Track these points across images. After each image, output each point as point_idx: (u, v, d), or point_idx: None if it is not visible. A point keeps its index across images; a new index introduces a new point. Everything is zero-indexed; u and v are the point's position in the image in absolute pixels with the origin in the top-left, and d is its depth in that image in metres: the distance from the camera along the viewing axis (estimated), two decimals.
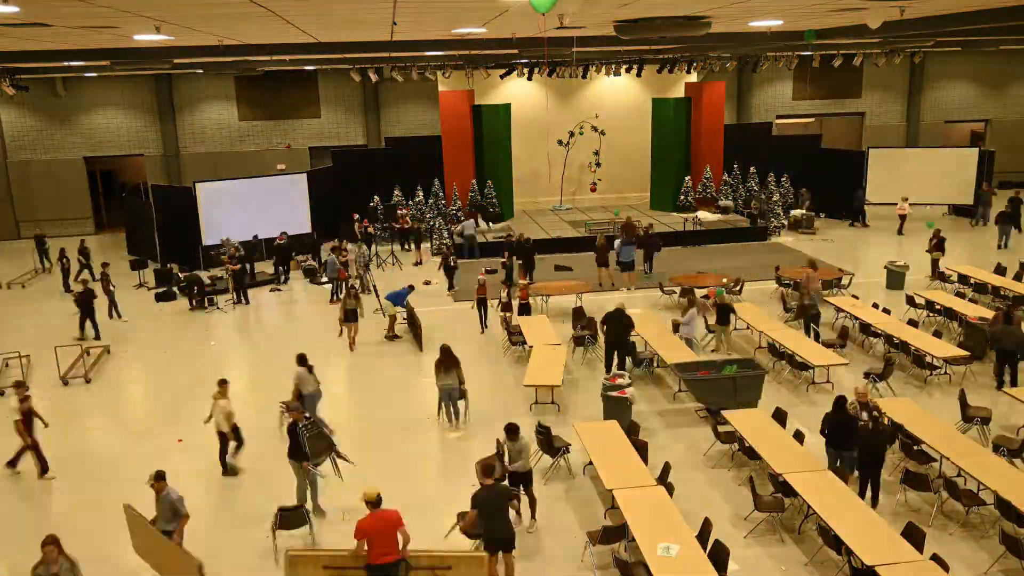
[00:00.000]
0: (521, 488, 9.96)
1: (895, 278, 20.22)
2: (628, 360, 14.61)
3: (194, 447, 12.44)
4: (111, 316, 19.29)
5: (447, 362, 12.75)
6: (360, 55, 22.86)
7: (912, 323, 15.84)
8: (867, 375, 13.79)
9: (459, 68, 28.53)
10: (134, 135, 30.90)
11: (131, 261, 22.81)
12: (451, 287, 21.15)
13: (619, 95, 31.30)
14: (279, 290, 22.15)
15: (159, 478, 9.11)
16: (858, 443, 10.13)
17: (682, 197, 29.42)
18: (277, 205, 25.52)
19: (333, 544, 9.46)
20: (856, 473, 10.28)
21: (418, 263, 24.38)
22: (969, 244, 24.55)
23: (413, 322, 17.30)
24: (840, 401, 10.45)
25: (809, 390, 14.04)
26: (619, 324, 14.54)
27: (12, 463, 12.01)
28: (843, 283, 19.54)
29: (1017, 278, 19.14)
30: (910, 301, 17.70)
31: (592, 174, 31.39)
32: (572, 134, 30.74)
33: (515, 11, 12.31)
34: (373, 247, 23.86)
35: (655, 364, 14.82)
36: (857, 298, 17.62)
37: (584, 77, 29.44)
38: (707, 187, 29.29)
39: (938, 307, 17.14)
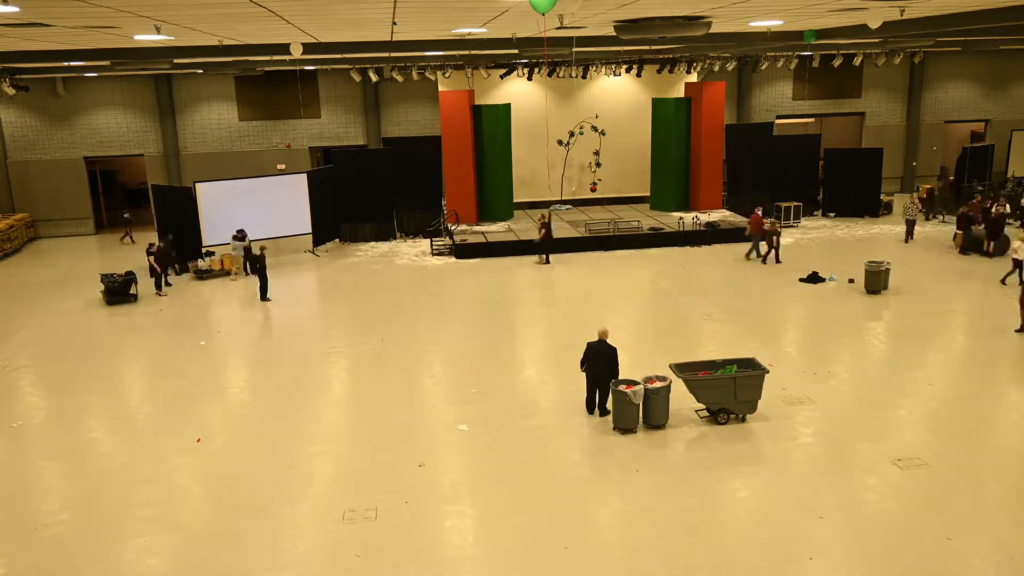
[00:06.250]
0: None
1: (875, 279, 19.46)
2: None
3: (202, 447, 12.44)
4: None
5: None
6: (360, 55, 22.90)
7: None
8: None
9: (459, 68, 28.60)
10: (134, 135, 30.89)
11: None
12: None
13: (619, 95, 31.29)
14: None
15: None
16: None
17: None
18: (277, 205, 25.52)
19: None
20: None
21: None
22: None
23: None
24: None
25: None
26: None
27: None
28: None
29: None
30: None
31: (592, 174, 31.41)
32: (572, 134, 30.74)
33: (515, 11, 12.32)
34: None
35: None
36: None
37: (584, 77, 29.49)
38: None
39: None
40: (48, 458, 12.25)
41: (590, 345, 12.67)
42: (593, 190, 31.37)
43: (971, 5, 13.15)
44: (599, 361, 12.56)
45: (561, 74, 28.90)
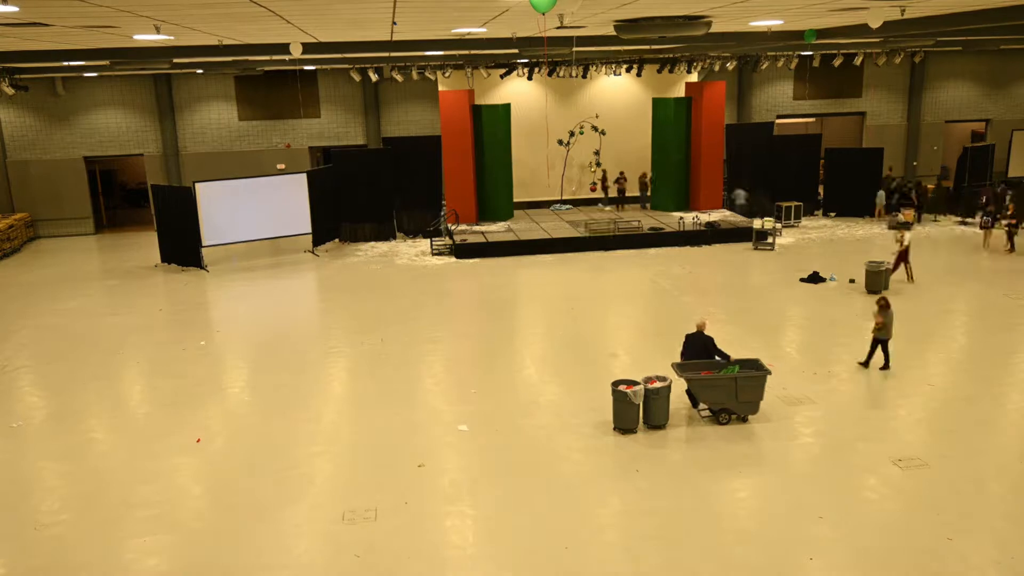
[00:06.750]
0: None
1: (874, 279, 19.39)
2: None
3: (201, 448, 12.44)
4: None
5: None
6: (360, 55, 22.90)
7: None
8: None
9: (459, 68, 28.60)
10: (134, 135, 30.88)
11: None
12: None
13: (619, 95, 31.28)
14: None
15: None
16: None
17: None
18: (277, 205, 25.49)
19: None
20: None
21: None
22: None
23: None
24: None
25: None
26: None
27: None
28: None
29: None
30: None
31: (592, 174, 31.41)
32: (572, 134, 30.74)
33: (515, 11, 12.32)
34: None
35: None
36: None
37: (584, 77, 29.47)
38: None
39: None
40: (48, 458, 12.25)
41: (688, 336, 13.08)
42: (593, 190, 31.38)
43: (971, 5, 13.15)
44: (697, 351, 12.91)
45: (561, 74, 28.89)
